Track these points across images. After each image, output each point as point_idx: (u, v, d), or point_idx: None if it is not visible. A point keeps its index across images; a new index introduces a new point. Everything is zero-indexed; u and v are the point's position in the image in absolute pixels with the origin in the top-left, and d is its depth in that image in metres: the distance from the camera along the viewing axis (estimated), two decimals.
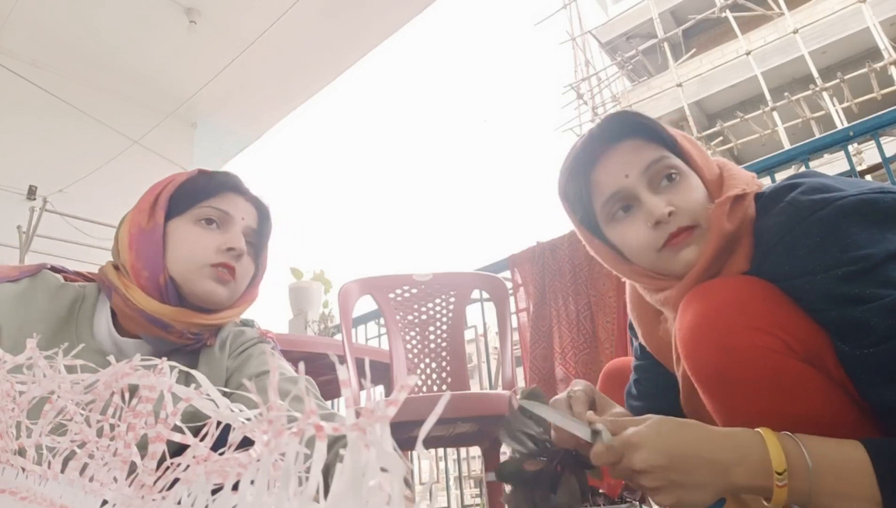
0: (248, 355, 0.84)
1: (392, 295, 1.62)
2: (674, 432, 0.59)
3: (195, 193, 0.81)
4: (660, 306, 0.78)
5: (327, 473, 0.18)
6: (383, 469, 0.17)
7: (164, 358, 0.30)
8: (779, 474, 0.55)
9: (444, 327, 1.62)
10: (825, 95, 8.06)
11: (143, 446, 0.27)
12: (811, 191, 0.62)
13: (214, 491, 0.23)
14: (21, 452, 0.31)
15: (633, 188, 0.71)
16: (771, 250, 0.63)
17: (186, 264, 0.78)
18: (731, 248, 0.68)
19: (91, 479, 0.27)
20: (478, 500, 4.36)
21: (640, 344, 0.89)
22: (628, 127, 0.74)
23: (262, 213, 0.88)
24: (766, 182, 0.85)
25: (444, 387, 1.58)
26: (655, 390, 0.87)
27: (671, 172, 0.71)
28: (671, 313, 0.75)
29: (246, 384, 0.64)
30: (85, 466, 0.28)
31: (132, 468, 0.28)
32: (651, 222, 0.70)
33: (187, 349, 0.81)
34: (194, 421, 0.29)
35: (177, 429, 0.26)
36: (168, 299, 0.77)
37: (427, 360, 1.60)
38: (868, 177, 1.74)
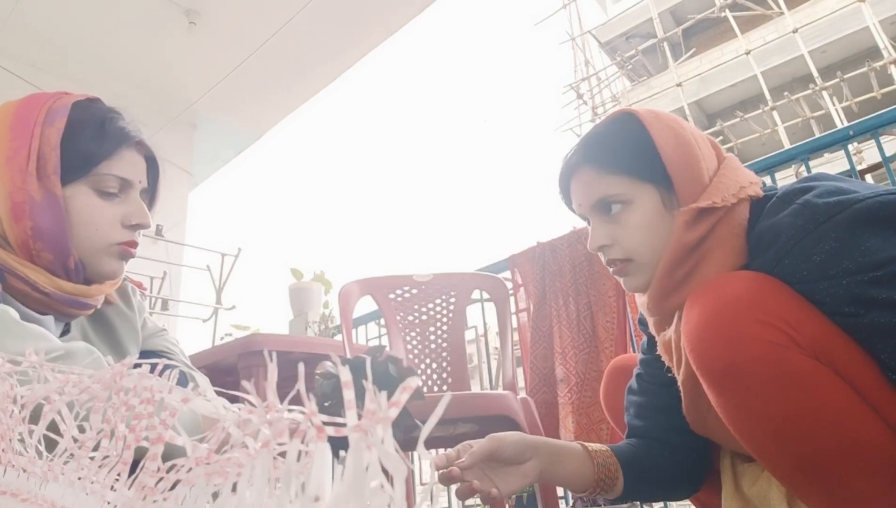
0: (141, 311, 0.84)
1: (392, 296, 1.62)
2: None
3: (90, 154, 0.71)
4: (646, 312, 0.80)
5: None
6: (385, 470, 0.17)
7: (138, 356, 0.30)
8: None
9: (445, 327, 1.62)
10: (825, 94, 8.06)
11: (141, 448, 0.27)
12: (826, 194, 0.61)
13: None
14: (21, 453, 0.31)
15: (586, 216, 0.81)
16: (786, 253, 0.62)
17: (90, 243, 0.72)
18: (699, 255, 0.71)
19: (92, 481, 0.27)
20: (478, 500, 4.36)
21: (649, 338, 0.90)
22: (585, 155, 0.79)
23: (151, 162, 0.80)
24: (765, 182, 0.86)
25: (444, 388, 1.58)
26: (657, 387, 0.87)
27: (612, 208, 0.77)
28: (654, 317, 0.79)
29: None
30: (85, 467, 0.28)
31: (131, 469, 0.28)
32: None
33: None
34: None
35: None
36: (77, 279, 0.72)
37: (428, 360, 1.60)
38: (868, 176, 1.74)
